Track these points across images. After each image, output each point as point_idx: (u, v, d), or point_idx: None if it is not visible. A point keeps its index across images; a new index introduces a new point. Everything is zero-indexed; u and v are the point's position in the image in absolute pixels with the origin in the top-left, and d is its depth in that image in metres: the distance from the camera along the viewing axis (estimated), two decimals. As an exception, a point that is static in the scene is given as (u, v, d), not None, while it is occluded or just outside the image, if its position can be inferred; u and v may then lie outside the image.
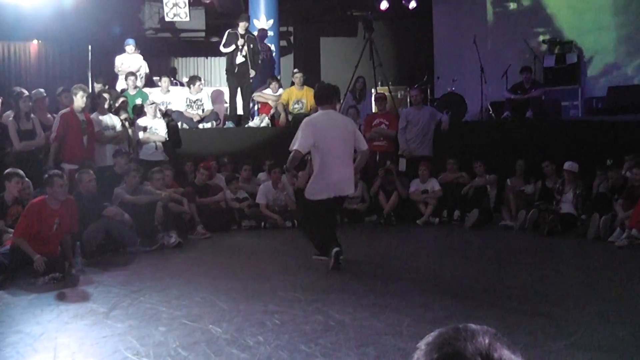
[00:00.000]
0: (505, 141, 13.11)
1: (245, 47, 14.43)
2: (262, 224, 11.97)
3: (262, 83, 15.89)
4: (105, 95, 12.28)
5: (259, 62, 15.13)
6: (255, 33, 15.81)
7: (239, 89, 14.80)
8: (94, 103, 11.84)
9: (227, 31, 14.73)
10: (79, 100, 10.82)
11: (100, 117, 11.69)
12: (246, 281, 7.42)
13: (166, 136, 12.71)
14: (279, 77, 16.00)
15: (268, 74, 16.26)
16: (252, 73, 14.67)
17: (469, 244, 10.47)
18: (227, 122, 14.67)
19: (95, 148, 11.28)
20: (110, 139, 11.69)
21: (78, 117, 10.85)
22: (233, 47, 14.40)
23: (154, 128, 12.58)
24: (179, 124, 13.86)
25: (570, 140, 12.58)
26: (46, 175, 8.20)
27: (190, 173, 12.56)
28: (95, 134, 11.22)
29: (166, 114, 13.58)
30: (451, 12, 19.48)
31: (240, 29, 14.54)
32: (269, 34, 16.86)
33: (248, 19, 14.89)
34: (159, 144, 12.56)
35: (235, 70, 14.49)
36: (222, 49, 14.69)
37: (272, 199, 12.14)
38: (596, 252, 9.28)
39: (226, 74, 15.00)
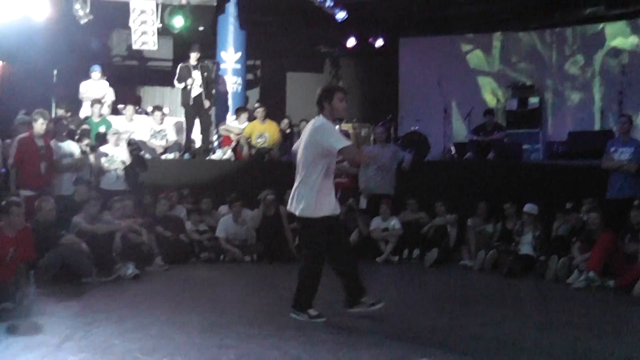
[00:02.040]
0: (467, 182, 13.19)
1: (200, 77, 14.48)
2: (221, 257, 11.90)
3: (224, 116, 15.94)
4: (64, 122, 12.18)
5: (213, 92, 15.16)
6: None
7: (197, 121, 14.82)
8: (54, 129, 11.73)
9: (179, 65, 14.86)
10: (39, 126, 10.73)
11: (59, 144, 11.59)
12: (203, 314, 7.35)
13: (129, 160, 12.59)
14: (246, 109, 16.02)
15: (224, 106, 16.33)
16: (207, 104, 14.70)
17: (428, 282, 10.47)
18: (185, 154, 14.62)
19: (54, 175, 11.17)
20: (68, 166, 11.57)
21: (37, 143, 10.75)
22: (183, 84, 14.46)
23: (115, 156, 12.50)
24: (141, 153, 13.77)
25: (531, 182, 12.71)
26: (3, 203, 8.07)
27: (150, 204, 12.47)
28: (54, 161, 11.13)
29: (130, 143, 13.52)
30: (417, 52, 19.73)
31: (192, 60, 14.65)
32: (235, 67, 16.92)
33: (199, 49, 14.93)
34: (121, 172, 12.45)
35: (191, 103, 14.53)
36: (175, 83, 14.76)
37: (233, 232, 12.08)
38: (554, 293, 9.36)
39: (183, 107, 15.02)
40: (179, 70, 14.79)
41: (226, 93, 16.70)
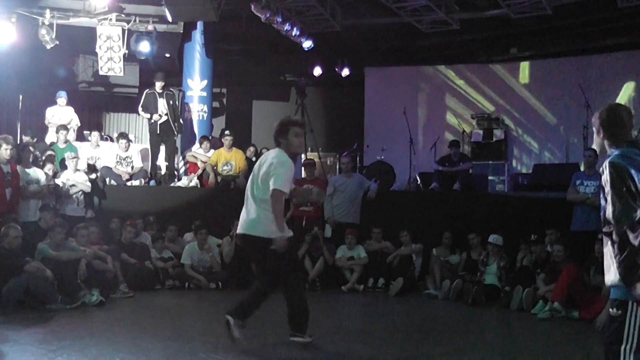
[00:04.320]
0: (432, 212, 13.24)
1: (165, 105, 14.50)
2: (186, 284, 11.84)
3: (190, 143, 15.90)
4: (31, 148, 12.11)
5: (179, 120, 15.17)
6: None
7: (162, 147, 14.80)
8: (19, 156, 11.64)
9: (145, 92, 14.89)
10: (3, 152, 10.66)
11: (26, 170, 11.50)
12: (167, 341, 7.31)
13: (87, 186, 12.50)
14: (210, 138, 16.01)
15: (190, 133, 16.29)
16: (175, 131, 14.72)
17: (393, 311, 10.51)
18: (150, 182, 14.57)
19: (19, 202, 11.07)
20: (34, 193, 11.47)
21: (2, 169, 10.67)
22: (149, 115, 14.49)
23: (75, 182, 12.44)
24: (107, 179, 13.71)
25: (496, 213, 12.78)
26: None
27: (115, 231, 12.39)
28: (19, 187, 11.03)
29: (93, 169, 13.45)
30: (383, 82, 19.88)
31: (157, 88, 14.66)
32: (200, 95, 16.93)
33: (163, 78, 14.95)
34: (81, 198, 12.38)
35: (158, 131, 14.54)
36: (140, 111, 14.78)
37: (197, 259, 12.03)
38: (519, 323, 9.45)
39: (149, 133, 15.01)
40: (145, 97, 14.79)
41: (192, 120, 16.69)
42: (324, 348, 7.37)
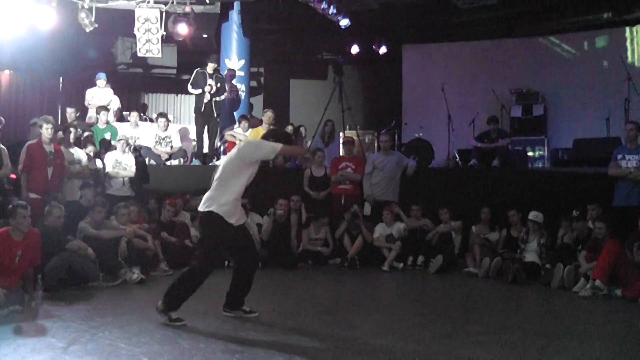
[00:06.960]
0: (471, 189, 13.18)
1: (213, 87, 14.59)
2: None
3: (230, 122, 15.95)
4: (72, 129, 12.24)
5: (220, 98, 15.18)
6: (225, 72, 15.98)
7: (206, 128, 14.90)
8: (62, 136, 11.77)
9: (196, 70, 15.01)
10: (44, 131, 10.79)
11: (70, 150, 11.63)
12: (208, 320, 7.35)
13: (132, 172, 12.66)
14: (248, 117, 16.05)
15: (230, 113, 16.34)
16: (215, 113, 14.81)
17: (432, 289, 10.48)
18: (194, 160, 14.68)
19: (64, 181, 11.20)
20: (75, 173, 11.59)
21: (45, 149, 10.80)
22: (200, 91, 14.59)
23: (124, 163, 12.52)
24: (147, 159, 13.82)
25: (536, 190, 12.68)
26: (10, 206, 8.11)
27: (155, 210, 12.47)
28: (64, 167, 11.16)
29: (135, 149, 13.53)
30: (420, 59, 19.78)
31: (209, 69, 14.74)
32: (238, 74, 16.93)
33: (217, 60, 15.04)
34: (127, 179, 12.50)
35: (202, 109, 14.62)
36: (189, 88, 14.89)
37: (237, 238, 12.05)
38: (560, 301, 9.33)
39: (195, 113, 15.10)
40: (195, 75, 14.93)
41: (230, 100, 16.72)
42: (362, 325, 7.39)
